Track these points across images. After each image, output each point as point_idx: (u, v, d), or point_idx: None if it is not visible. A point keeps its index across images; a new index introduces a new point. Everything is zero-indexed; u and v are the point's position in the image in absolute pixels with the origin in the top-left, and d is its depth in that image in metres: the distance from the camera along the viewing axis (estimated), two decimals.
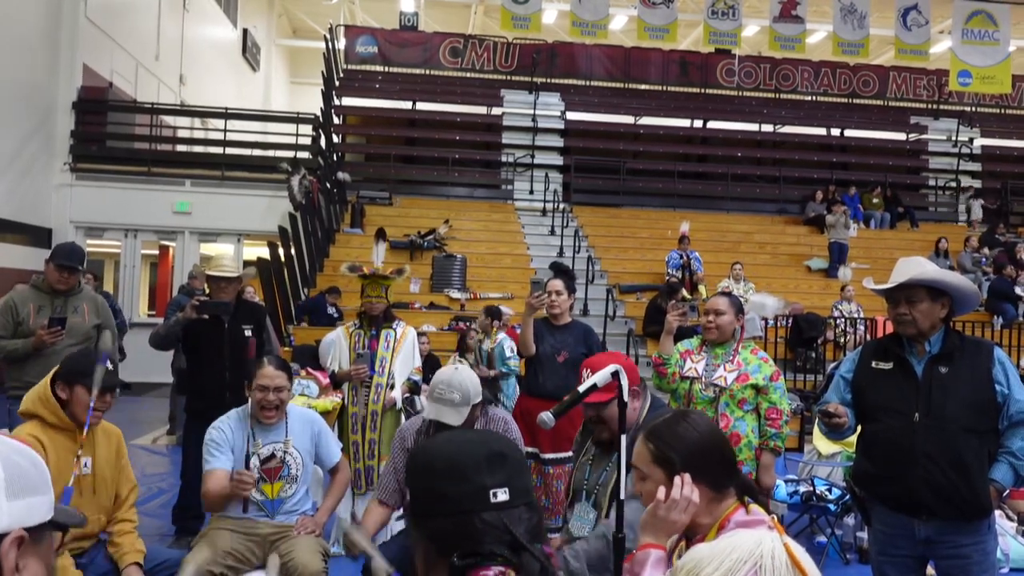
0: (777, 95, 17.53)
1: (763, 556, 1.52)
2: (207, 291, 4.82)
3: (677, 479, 1.67)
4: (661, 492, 1.67)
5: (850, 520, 5.03)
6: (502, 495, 1.27)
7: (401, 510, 4.07)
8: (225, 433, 3.29)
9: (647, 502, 1.72)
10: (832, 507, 4.89)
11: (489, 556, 1.23)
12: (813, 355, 9.94)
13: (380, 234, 5.31)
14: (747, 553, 1.53)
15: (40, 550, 0.99)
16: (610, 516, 2.45)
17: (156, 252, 14.30)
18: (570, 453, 3.97)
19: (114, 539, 3.05)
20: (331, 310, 9.63)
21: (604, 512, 2.59)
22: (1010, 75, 16.37)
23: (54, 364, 4.19)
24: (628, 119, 16.03)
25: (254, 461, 3.28)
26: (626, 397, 2.40)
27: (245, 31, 19.58)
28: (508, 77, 16.66)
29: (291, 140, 13.66)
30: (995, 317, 11.12)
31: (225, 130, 13.57)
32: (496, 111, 15.73)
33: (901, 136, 17.03)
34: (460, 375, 3.06)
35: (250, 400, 3.35)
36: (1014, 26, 16.70)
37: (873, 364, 2.82)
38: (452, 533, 1.25)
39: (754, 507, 1.70)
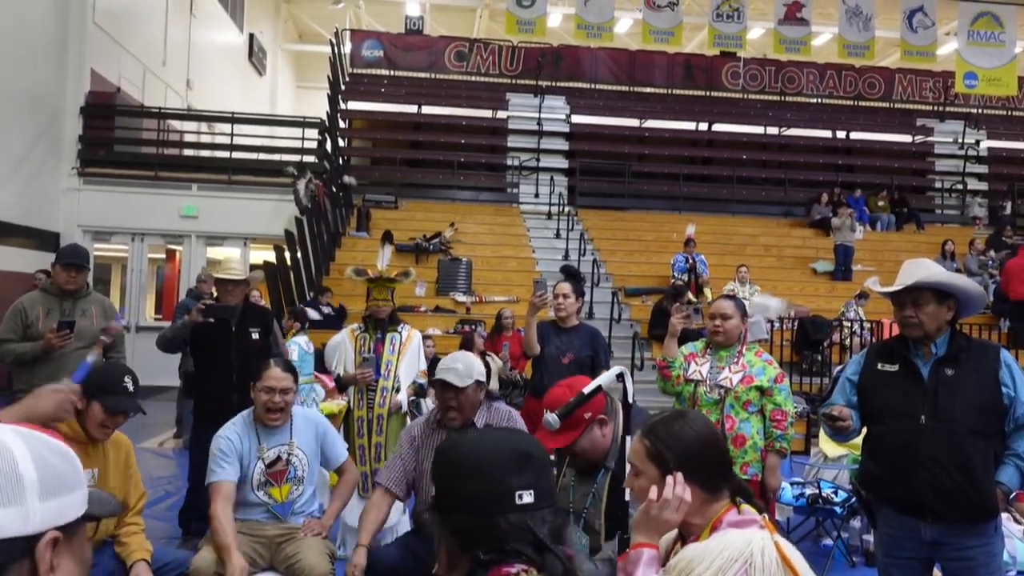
0: (782, 97, 17.53)
1: (753, 554, 1.54)
2: (215, 294, 4.85)
3: (669, 478, 1.67)
4: (653, 492, 1.67)
5: (856, 523, 5.02)
6: (527, 497, 1.28)
7: (405, 509, 4.08)
8: (232, 442, 3.29)
9: (640, 498, 1.72)
10: (838, 509, 4.88)
11: (513, 554, 1.25)
12: (819, 358, 9.91)
13: (386, 237, 5.35)
14: (737, 551, 1.54)
15: (73, 546, 0.98)
16: (613, 540, 2.42)
17: (163, 256, 14.35)
18: None
19: (121, 539, 3.07)
20: (325, 309, 9.66)
21: (603, 534, 2.51)
22: (1016, 77, 16.31)
23: (63, 367, 4.25)
24: (633, 122, 16.05)
25: (259, 466, 3.29)
26: (631, 398, 2.40)
27: (251, 36, 19.66)
28: (513, 80, 16.70)
29: (297, 144, 13.68)
30: (1001, 319, 11.08)
31: (232, 134, 13.60)
32: (501, 114, 15.76)
33: (907, 138, 17.00)
34: (464, 354, 3.32)
35: (254, 403, 3.36)
36: (1020, 28, 16.64)
37: (879, 366, 2.81)
38: (477, 532, 1.27)
39: (746, 507, 1.70)
